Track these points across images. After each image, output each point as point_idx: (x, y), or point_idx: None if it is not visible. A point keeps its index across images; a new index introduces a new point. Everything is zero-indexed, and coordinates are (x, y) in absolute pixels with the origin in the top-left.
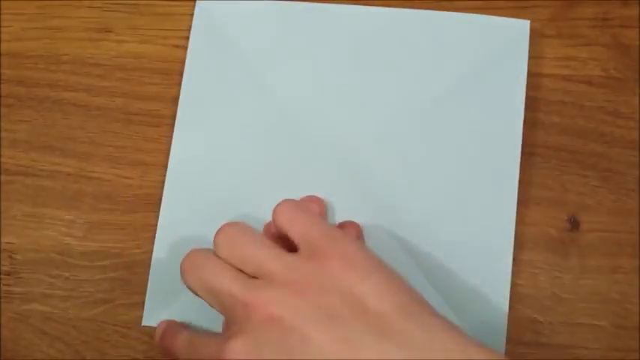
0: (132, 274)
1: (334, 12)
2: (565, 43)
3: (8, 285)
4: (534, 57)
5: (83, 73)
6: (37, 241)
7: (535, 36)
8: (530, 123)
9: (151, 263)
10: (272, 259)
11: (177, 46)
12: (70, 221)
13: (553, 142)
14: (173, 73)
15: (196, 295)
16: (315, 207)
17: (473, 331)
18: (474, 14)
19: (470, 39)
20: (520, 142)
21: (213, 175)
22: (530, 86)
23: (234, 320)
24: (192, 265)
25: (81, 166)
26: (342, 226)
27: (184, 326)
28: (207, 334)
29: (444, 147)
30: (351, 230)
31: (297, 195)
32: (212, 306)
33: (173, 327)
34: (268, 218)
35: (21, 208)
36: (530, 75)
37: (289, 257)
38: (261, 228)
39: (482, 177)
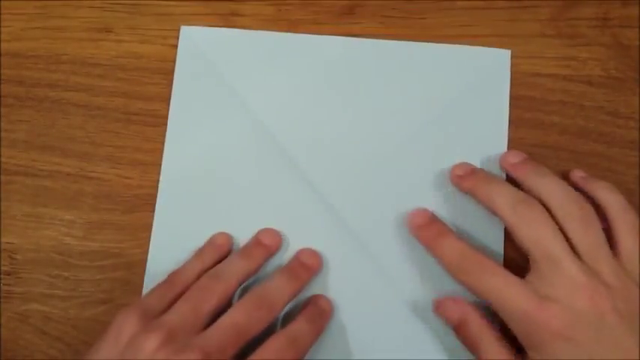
0: (132, 274)
1: (316, 42)
2: (565, 43)
3: (8, 285)
4: (535, 57)
5: (83, 73)
6: (37, 241)
7: (535, 36)
8: (531, 123)
9: (146, 266)
10: (607, 259)
11: (176, 46)
12: (70, 221)
13: (553, 142)
14: (173, 73)
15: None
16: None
17: None
18: (458, 46)
19: (453, 69)
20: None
21: (207, 176)
22: (530, 86)
23: (552, 287)
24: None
25: (81, 166)
26: None
27: (446, 225)
28: (496, 263)
29: (430, 174)
30: None
31: (289, 194)
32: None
33: (437, 222)
34: (260, 217)
35: (21, 208)
36: (530, 75)
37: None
38: (256, 226)
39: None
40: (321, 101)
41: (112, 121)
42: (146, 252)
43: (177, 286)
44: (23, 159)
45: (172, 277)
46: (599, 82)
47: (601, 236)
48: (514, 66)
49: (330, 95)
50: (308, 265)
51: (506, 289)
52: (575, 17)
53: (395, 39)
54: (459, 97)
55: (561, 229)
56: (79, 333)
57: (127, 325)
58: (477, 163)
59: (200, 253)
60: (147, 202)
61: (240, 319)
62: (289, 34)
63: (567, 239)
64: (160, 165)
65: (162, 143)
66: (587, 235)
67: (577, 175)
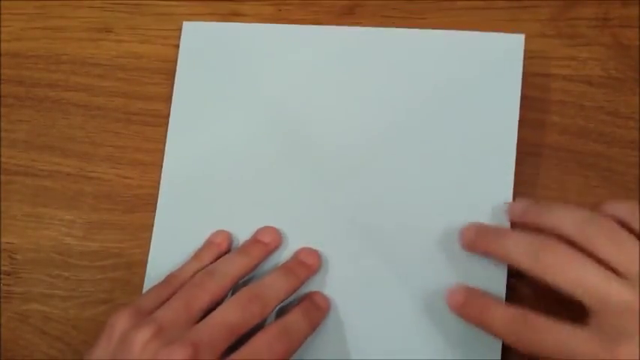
0: (132, 274)
1: (319, 32)
2: (565, 43)
3: (8, 285)
4: (535, 57)
5: (83, 73)
6: (37, 241)
7: (535, 36)
8: (531, 123)
9: (147, 266)
10: None
11: (177, 46)
12: (70, 221)
13: (553, 142)
14: (173, 73)
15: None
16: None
17: (471, 332)
18: (470, 32)
19: (466, 55)
20: (514, 157)
21: (208, 176)
22: (531, 86)
23: (615, 325)
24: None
25: (81, 166)
26: None
27: (490, 295)
28: (551, 319)
29: (439, 160)
30: None
31: (290, 193)
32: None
33: (479, 296)
34: (262, 217)
35: (21, 208)
36: (531, 75)
37: None
38: (255, 226)
39: (476, 191)
40: (326, 96)
41: (112, 121)
42: (146, 252)
43: (172, 286)
44: (23, 159)
45: (169, 277)
46: (599, 82)
47: (636, 245)
48: None
49: (336, 90)
50: (307, 264)
51: (571, 344)
52: (575, 17)
53: None
54: (470, 84)
55: (592, 256)
56: (79, 333)
57: (119, 322)
58: (486, 152)
59: (198, 253)
60: (147, 202)
61: (232, 313)
62: (291, 26)
63: (602, 262)
64: (161, 165)
65: (163, 143)
66: (621, 250)
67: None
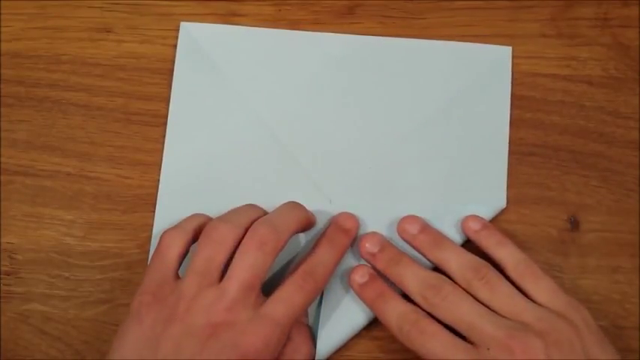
0: (132, 274)
1: (317, 39)
2: (565, 43)
3: (8, 285)
4: (535, 57)
5: (83, 73)
6: (37, 241)
7: (535, 36)
8: (531, 123)
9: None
10: (527, 307)
11: (176, 46)
12: (70, 221)
13: (553, 142)
14: (173, 73)
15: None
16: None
17: None
18: (460, 43)
19: (455, 66)
20: (506, 169)
21: (206, 177)
22: (530, 86)
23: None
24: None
25: (81, 166)
26: None
27: (394, 291)
28: (442, 328)
29: (430, 169)
30: None
31: (289, 192)
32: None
33: (380, 283)
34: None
35: (21, 208)
36: (530, 75)
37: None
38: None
39: (471, 192)
40: (321, 98)
41: (112, 121)
42: (146, 252)
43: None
44: (23, 159)
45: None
46: (599, 82)
47: (509, 289)
48: (514, 66)
49: (330, 92)
50: (346, 228)
51: (453, 354)
52: (575, 17)
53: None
54: (460, 94)
55: (473, 297)
56: (79, 333)
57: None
58: (476, 158)
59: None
60: (147, 202)
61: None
62: (289, 31)
63: (483, 304)
64: (160, 165)
65: (163, 143)
66: (495, 294)
67: (471, 228)
